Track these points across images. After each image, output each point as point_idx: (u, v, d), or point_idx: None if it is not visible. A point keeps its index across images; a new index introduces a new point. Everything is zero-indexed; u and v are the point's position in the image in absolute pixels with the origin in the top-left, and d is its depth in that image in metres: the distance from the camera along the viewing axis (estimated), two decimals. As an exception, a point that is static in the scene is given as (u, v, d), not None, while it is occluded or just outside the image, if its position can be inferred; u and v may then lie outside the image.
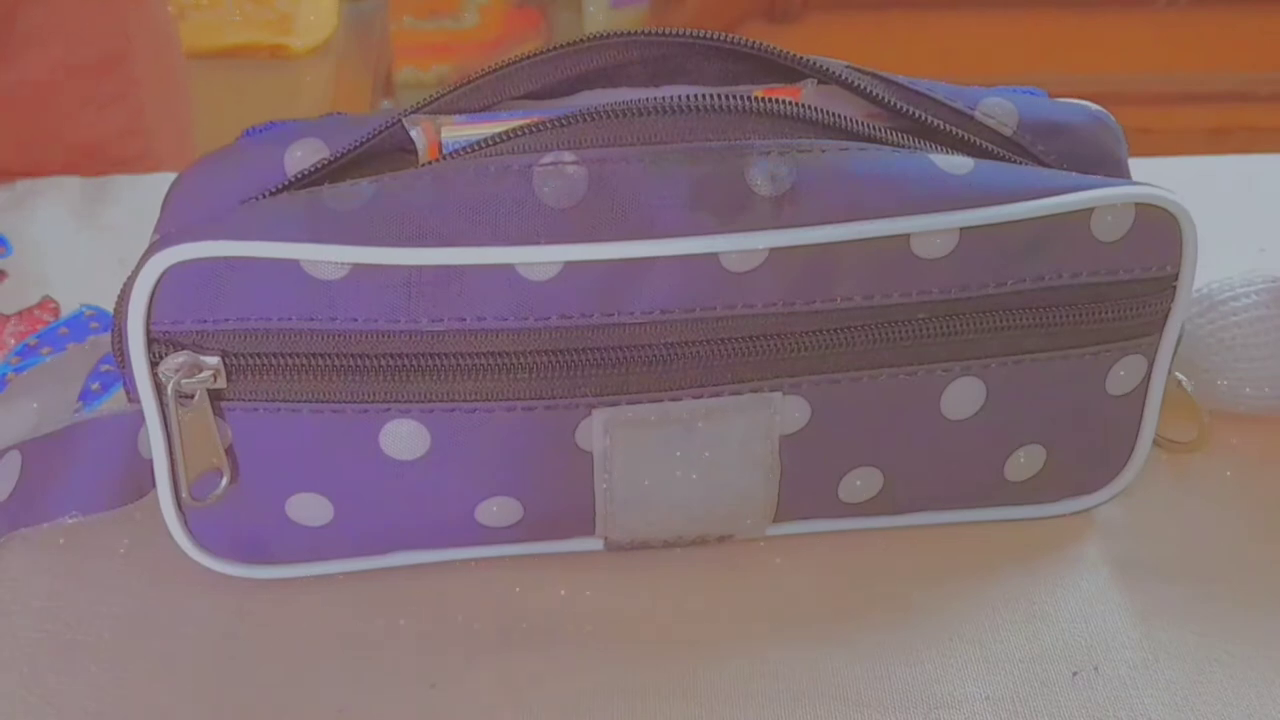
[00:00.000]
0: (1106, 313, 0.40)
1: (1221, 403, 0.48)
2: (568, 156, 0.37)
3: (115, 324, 0.39)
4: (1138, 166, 0.43)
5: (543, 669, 0.40)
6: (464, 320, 0.37)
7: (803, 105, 0.39)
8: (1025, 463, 0.43)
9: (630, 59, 0.42)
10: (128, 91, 0.73)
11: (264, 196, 0.39)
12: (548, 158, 0.37)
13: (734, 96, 0.38)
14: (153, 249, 0.37)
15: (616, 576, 0.43)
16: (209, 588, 0.42)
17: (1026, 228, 0.39)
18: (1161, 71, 1.52)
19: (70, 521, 0.43)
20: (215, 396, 0.39)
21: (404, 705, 0.39)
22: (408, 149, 0.40)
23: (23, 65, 0.68)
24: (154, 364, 0.38)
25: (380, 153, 0.40)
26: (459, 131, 0.40)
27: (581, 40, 0.42)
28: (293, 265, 0.37)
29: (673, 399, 0.39)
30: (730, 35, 0.42)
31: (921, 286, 0.39)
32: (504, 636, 0.41)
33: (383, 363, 0.38)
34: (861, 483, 0.42)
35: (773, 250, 0.37)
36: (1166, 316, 0.41)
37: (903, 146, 0.39)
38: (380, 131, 0.40)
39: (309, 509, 0.40)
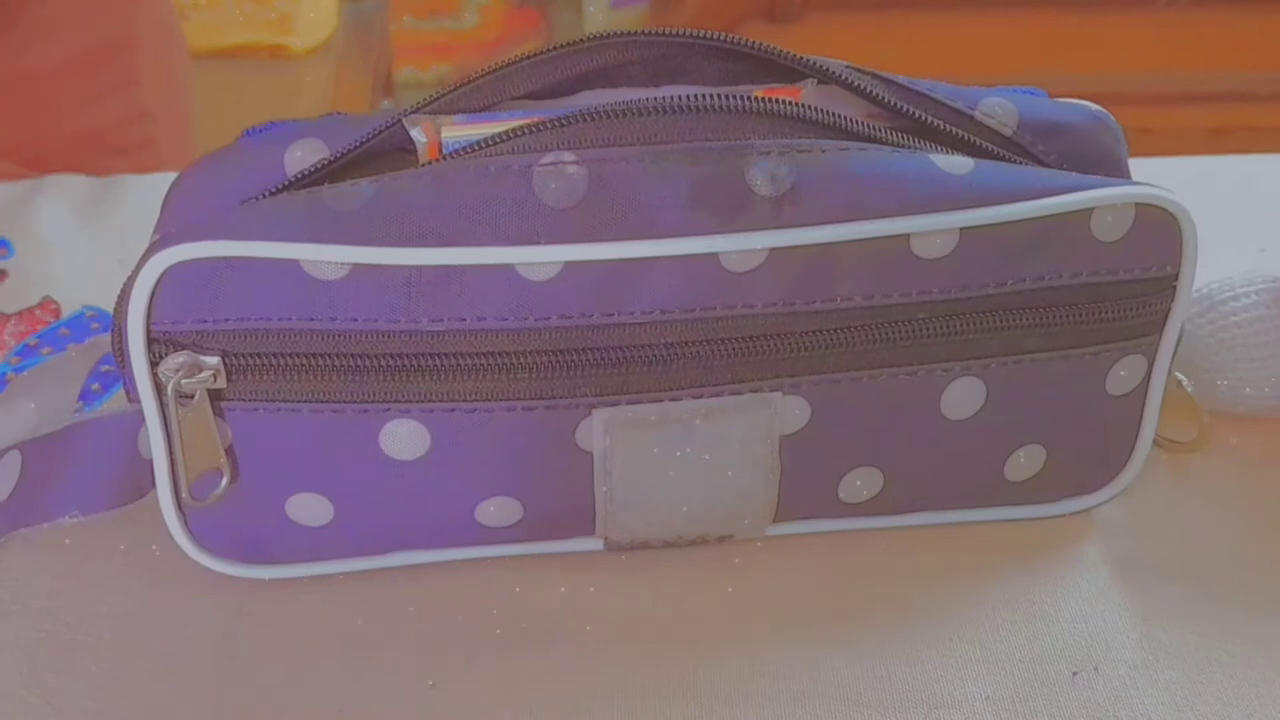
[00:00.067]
0: (1106, 313, 0.40)
1: (1221, 403, 0.48)
2: (568, 156, 0.37)
3: (115, 324, 0.39)
4: (1137, 166, 0.43)
5: (543, 669, 0.40)
6: (464, 320, 0.37)
7: (803, 105, 0.39)
8: (1025, 463, 0.43)
9: (630, 59, 0.42)
10: (130, 80, 0.73)
11: (264, 196, 0.39)
12: (548, 158, 0.37)
13: (734, 96, 0.38)
14: (153, 249, 0.37)
15: (616, 576, 0.43)
16: (209, 588, 0.42)
17: (1026, 228, 0.39)
18: (1161, 71, 1.52)
19: (70, 521, 0.43)
20: (215, 396, 0.39)
21: (404, 705, 0.39)
22: (408, 149, 0.40)
23: (27, 53, 0.68)
24: (154, 364, 0.38)
25: (380, 153, 0.40)
26: (459, 131, 0.40)
27: (581, 40, 0.42)
28: (293, 265, 0.37)
29: (673, 399, 0.39)
30: (730, 35, 0.42)
31: (921, 286, 0.39)
32: (504, 636, 0.41)
33: (383, 363, 0.38)
34: (861, 483, 0.42)
35: (773, 250, 0.37)
36: (1166, 316, 0.41)
37: (903, 146, 0.39)
38: (380, 131, 0.40)
39: (309, 509, 0.40)
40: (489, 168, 0.37)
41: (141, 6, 0.74)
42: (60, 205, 0.60)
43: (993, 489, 0.43)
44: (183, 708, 0.39)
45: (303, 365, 0.38)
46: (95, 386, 0.48)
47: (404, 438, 0.39)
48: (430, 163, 0.39)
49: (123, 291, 0.38)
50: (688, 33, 0.42)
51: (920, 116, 0.41)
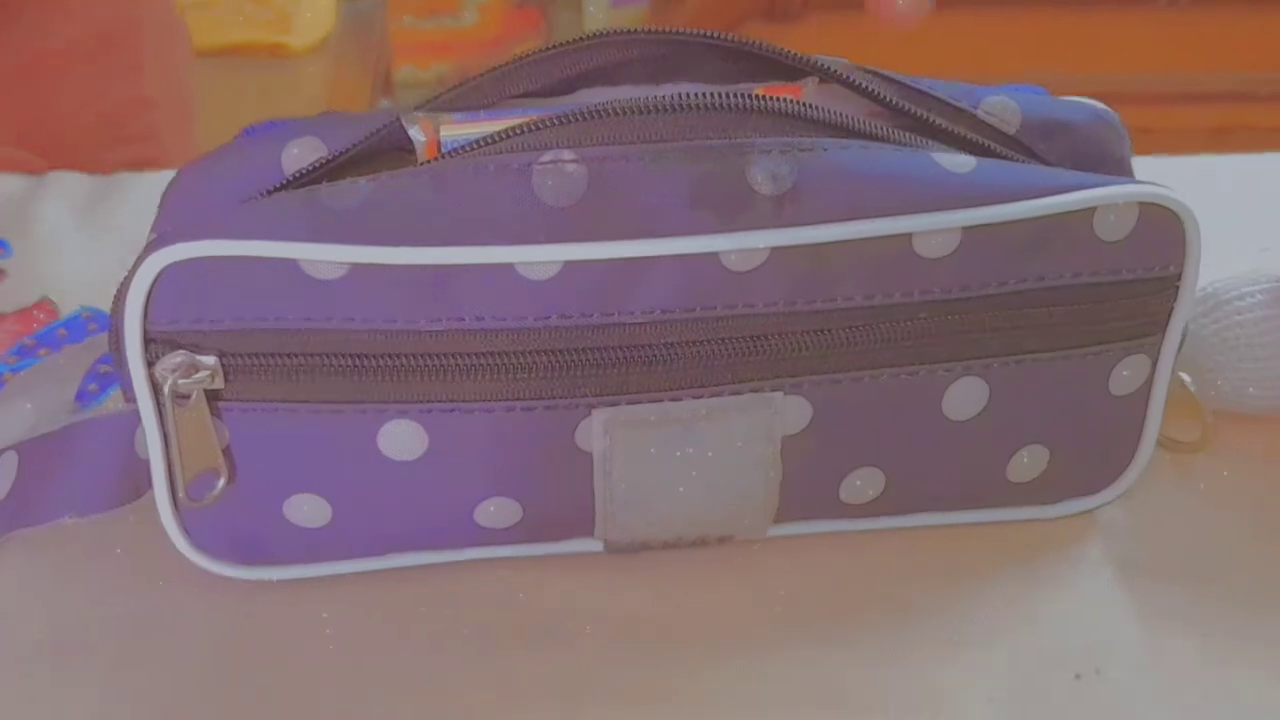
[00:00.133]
0: (1109, 312, 0.40)
1: (1225, 403, 0.47)
2: (567, 155, 0.37)
3: (112, 323, 0.38)
4: (1139, 166, 0.43)
5: (543, 669, 0.40)
6: (463, 320, 0.37)
7: (804, 104, 0.39)
8: (1028, 463, 0.42)
9: (630, 57, 0.42)
10: (133, 69, 0.73)
11: (262, 196, 0.39)
12: (547, 156, 0.37)
13: (735, 95, 0.38)
14: (150, 248, 0.37)
15: (616, 577, 0.43)
16: (207, 589, 0.42)
17: (1029, 227, 0.38)
18: (1163, 71, 1.52)
19: (68, 522, 0.43)
20: (212, 397, 0.38)
21: (403, 706, 0.39)
22: (406, 148, 0.40)
23: (32, 40, 0.68)
24: (150, 364, 0.38)
25: (378, 152, 0.40)
26: (458, 130, 0.40)
27: (582, 39, 0.42)
28: (291, 265, 0.37)
29: (673, 399, 0.39)
30: (731, 34, 0.42)
31: (923, 286, 0.39)
32: (504, 637, 0.41)
33: (381, 363, 0.38)
34: (863, 483, 0.42)
35: (774, 249, 0.37)
36: (1170, 316, 0.41)
37: (904, 145, 0.39)
38: (379, 130, 0.40)
39: (307, 510, 0.40)
40: (488, 166, 0.37)
41: None
42: (59, 205, 0.59)
43: (995, 490, 0.43)
44: (181, 709, 0.39)
45: (300, 365, 0.38)
46: (92, 387, 0.48)
47: (402, 438, 0.39)
48: (429, 161, 0.39)
49: (119, 291, 0.38)
50: (688, 31, 0.42)
51: (922, 115, 0.41)
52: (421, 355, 0.38)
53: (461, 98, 0.42)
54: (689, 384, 0.39)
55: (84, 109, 0.71)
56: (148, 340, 0.38)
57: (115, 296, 0.38)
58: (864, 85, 0.41)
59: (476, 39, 1.62)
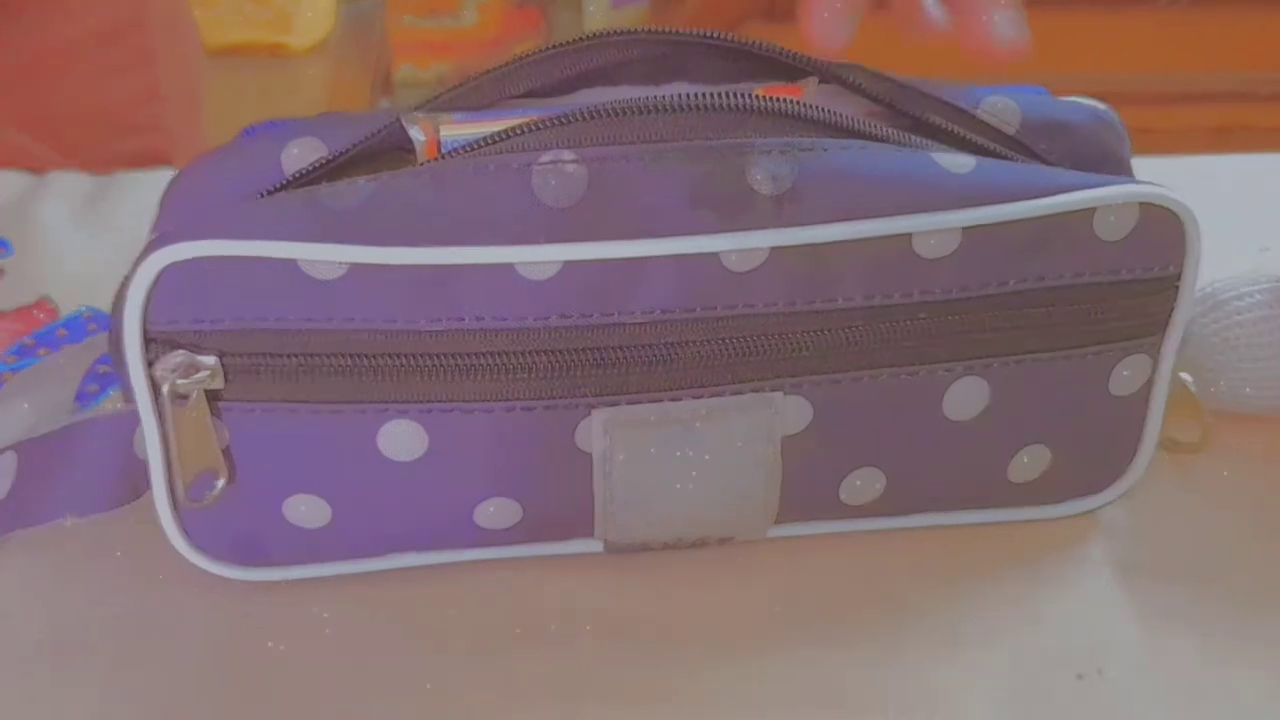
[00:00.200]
0: (1109, 312, 0.40)
1: (1225, 403, 0.47)
2: (567, 155, 0.37)
3: (112, 323, 0.38)
4: (1139, 166, 0.42)
5: (543, 669, 0.40)
6: (463, 320, 0.37)
7: (804, 104, 0.39)
8: (1028, 464, 0.42)
9: (631, 58, 0.42)
10: (142, 61, 0.73)
11: (262, 195, 0.39)
12: (547, 156, 0.37)
13: (735, 95, 0.38)
14: (150, 248, 0.37)
15: (616, 578, 0.43)
16: (206, 589, 0.42)
17: (1029, 227, 0.38)
18: (1163, 71, 1.52)
19: (67, 523, 0.43)
20: (212, 397, 0.38)
21: (403, 706, 0.39)
22: (406, 148, 0.40)
23: (41, 29, 0.68)
24: (150, 364, 0.38)
25: (378, 152, 0.40)
26: (458, 130, 0.40)
27: (582, 39, 0.42)
28: (290, 265, 0.37)
29: (673, 399, 0.39)
30: (731, 34, 0.42)
31: (923, 286, 0.39)
32: (503, 638, 0.41)
33: (381, 363, 0.38)
34: (863, 484, 0.42)
35: (774, 250, 0.37)
36: (1170, 316, 0.41)
37: (904, 145, 0.39)
38: (379, 130, 0.40)
39: (306, 510, 0.40)
40: (488, 166, 0.37)
41: None
42: (59, 204, 0.59)
43: (996, 490, 0.43)
44: (181, 709, 0.39)
45: (300, 366, 0.38)
46: (92, 387, 0.48)
47: (402, 438, 0.39)
48: (429, 161, 0.39)
49: (119, 291, 0.38)
50: (688, 32, 0.42)
51: (921, 115, 0.41)
52: (421, 355, 0.38)
53: (461, 98, 0.42)
54: (689, 384, 0.39)
55: (92, 100, 0.71)
56: (147, 340, 0.38)
57: (115, 296, 0.38)
58: (864, 85, 0.41)
59: (476, 39, 1.62)
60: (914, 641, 0.41)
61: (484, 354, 0.38)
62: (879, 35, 0.45)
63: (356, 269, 0.37)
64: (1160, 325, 0.41)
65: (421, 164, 0.39)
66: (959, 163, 0.38)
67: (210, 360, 0.38)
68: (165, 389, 0.38)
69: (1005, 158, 0.40)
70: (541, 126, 0.38)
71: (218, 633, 0.41)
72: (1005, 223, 0.38)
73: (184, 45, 0.79)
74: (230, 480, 0.40)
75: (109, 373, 0.48)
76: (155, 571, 0.42)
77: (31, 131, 0.67)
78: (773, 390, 0.39)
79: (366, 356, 0.38)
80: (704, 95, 0.38)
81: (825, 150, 0.38)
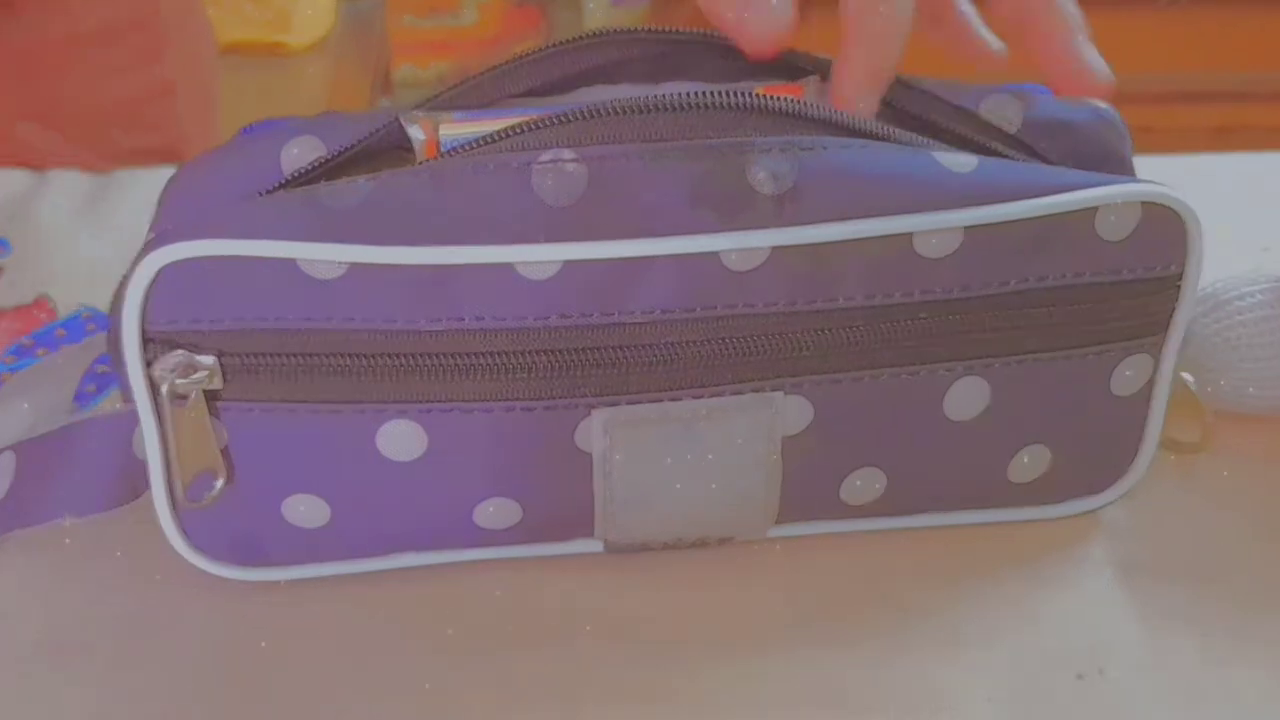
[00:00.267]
0: (1111, 312, 0.40)
1: (1226, 403, 0.47)
2: (567, 154, 0.37)
3: (110, 323, 0.38)
4: (1140, 165, 0.42)
5: (543, 669, 0.40)
6: (462, 320, 0.37)
7: (804, 103, 0.39)
8: (1029, 464, 0.42)
9: (631, 56, 0.42)
10: (154, 55, 0.74)
11: (261, 195, 0.39)
12: (547, 155, 0.37)
13: (735, 94, 0.38)
14: (148, 247, 0.37)
15: (616, 578, 0.43)
16: (206, 590, 0.42)
17: (1030, 226, 0.38)
18: (1164, 70, 1.52)
19: (66, 523, 0.43)
20: (211, 397, 0.38)
21: (403, 707, 0.39)
22: (405, 147, 0.40)
23: (54, 20, 0.68)
24: (149, 364, 0.38)
25: (378, 151, 0.40)
26: (457, 129, 0.40)
27: (581, 37, 0.42)
28: (289, 264, 0.36)
29: (673, 399, 0.39)
30: (731, 33, 0.41)
31: (924, 286, 0.38)
32: (503, 638, 0.41)
33: (380, 363, 0.38)
34: (864, 483, 0.42)
35: (774, 249, 0.37)
36: (1171, 316, 0.41)
37: (906, 144, 0.39)
38: (378, 130, 0.40)
39: (305, 510, 0.40)
40: (487, 165, 0.37)
41: None
42: (58, 203, 0.59)
43: (996, 490, 0.43)
44: (180, 709, 0.39)
45: (299, 365, 0.38)
46: (91, 388, 0.48)
47: (401, 438, 0.39)
48: (428, 160, 0.39)
49: (118, 290, 0.38)
50: (688, 31, 0.42)
51: (923, 114, 0.41)
52: (421, 355, 0.38)
53: (461, 97, 0.42)
54: (689, 384, 0.39)
55: (104, 95, 0.72)
56: (146, 340, 0.37)
57: (113, 296, 0.38)
58: (865, 84, 0.41)
59: (476, 38, 1.62)
60: (915, 641, 0.41)
61: (484, 354, 0.38)
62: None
63: (356, 268, 0.37)
64: (1162, 325, 0.41)
65: (421, 163, 0.39)
66: (960, 162, 0.38)
67: (209, 360, 0.38)
68: (164, 389, 0.38)
69: (1007, 157, 0.40)
70: (541, 125, 0.38)
71: (216, 633, 0.41)
72: (1007, 222, 0.38)
73: (197, 43, 0.79)
74: (229, 480, 0.40)
75: (107, 373, 0.48)
76: (154, 571, 0.42)
77: (43, 120, 0.67)
78: (773, 390, 0.39)
79: (366, 356, 0.38)
80: (704, 94, 0.38)
81: (826, 149, 0.37)
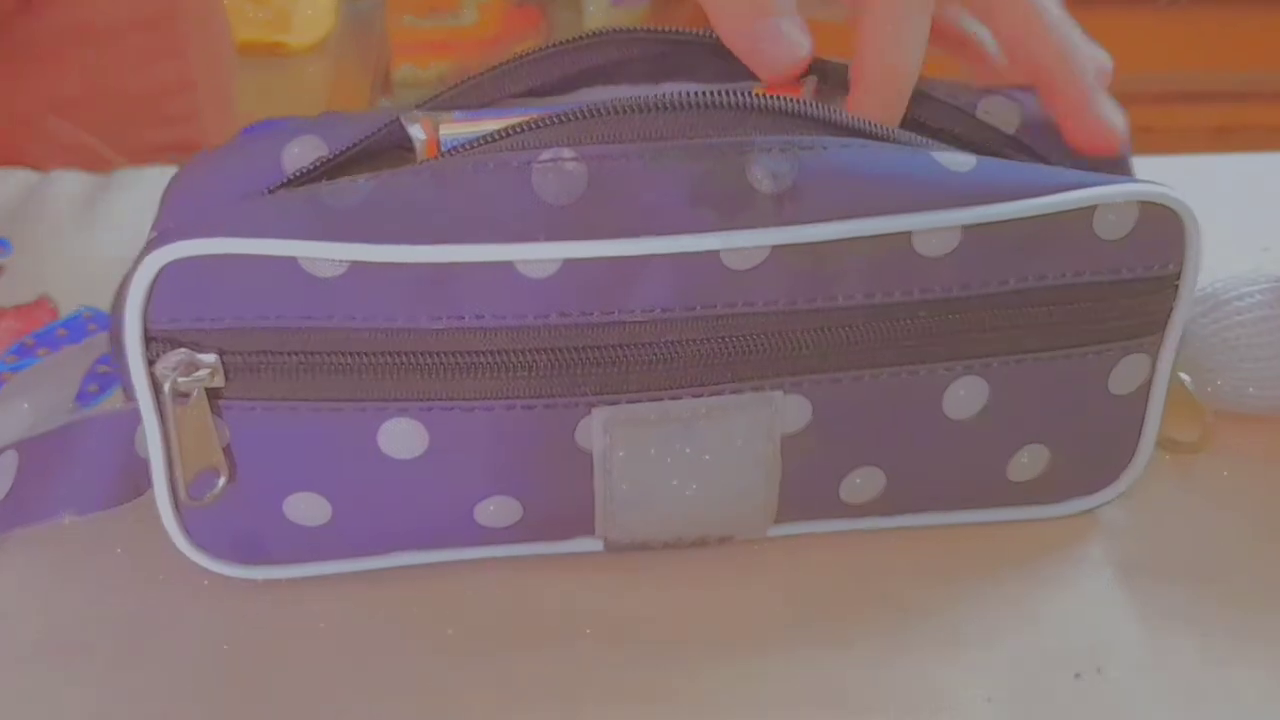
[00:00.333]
0: (1109, 311, 0.40)
1: (1225, 403, 0.47)
2: (567, 153, 0.37)
3: (112, 321, 0.38)
4: (1139, 165, 0.42)
5: (543, 669, 0.40)
6: (463, 318, 0.37)
7: (804, 102, 0.39)
8: (1028, 463, 0.42)
9: (631, 56, 0.42)
10: (176, 50, 0.74)
11: (262, 194, 0.39)
12: (547, 154, 0.37)
13: (735, 93, 0.38)
14: (150, 246, 0.37)
15: (616, 577, 0.43)
16: (206, 588, 0.42)
17: (1029, 225, 0.38)
18: (1164, 70, 1.52)
19: (66, 521, 0.43)
20: (213, 395, 0.38)
21: (403, 706, 0.39)
22: (406, 147, 0.40)
23: (78, 14, 0.69)
24: (151, 362, 0.38)
25: (378, 151, 0.40)
26: (457, 129, 0.40)
27: (581, 37, 0.42)
28: (290, 263, 0.37)
29: (673, 398, 0.39)
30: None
31: (923, 285, 0.38)
32: (504, 637, 0.41)
33: (381, 361, 0.38)
34: (863, 482, 0.42)
35: (774, 248, 0.37)
36: (1169, 315, 0.41)
37: (905, 144, 0.39)
38: (379, 129, 0.40)
39: (307, 508, 0.40)
40: (488, 164, 0.37)
41: None
42: (59, 203, 0.59)
43: (995, 489, 0.43)
44: (180, 709, 0.39)
45: (300, 364, 0.38)
46: (92, 388, 0.48)
47: (402, 437, 0.39)
48: (429, 160, 0.39)
49: (119, 289, 0.38)
50: (688, 31, 0.42)
51: (920, 115, 0.41)
52: (421, 353, 0.38)
53: (461, 96, 0.42)
54: (689, 382, 0.39)
55: (126, 87, 0.72)
56: (148, 338, 0.38)
57: (115, 294, 0.38)
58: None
59: (476, 38, 1.62)
60: (914, 641, 0.41)
61: (484, 352, 0.38)
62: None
63: (357, 267, 0.37)
64: (1160, 324, 0.41)
65: (421, 162, 0.39)
66: (959, 161, 0.38)
67: (211, 358, 0.38)
68: (166, 387, 0.38)
69: (1005, 157, 0.40)
70: (541, 125, 0.38)
71: (217, 631, 0.41)
72: (1005, 221, 0.38)
73: (216, 40, 0.79)
74: (231, 478, 0.40)
75: (109, 373, 0.48)
76: (155, 570, 0.42)
77: (68, 114, 0.67)
78: (773, 389, 0.39)
79: (367, 354, 0.38)
80: (704, 93, 0.38)
81: (825, 148, 0.38)
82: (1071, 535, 0.44)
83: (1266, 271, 0.47)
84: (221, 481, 0.40)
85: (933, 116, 0.41)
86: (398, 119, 0.40)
